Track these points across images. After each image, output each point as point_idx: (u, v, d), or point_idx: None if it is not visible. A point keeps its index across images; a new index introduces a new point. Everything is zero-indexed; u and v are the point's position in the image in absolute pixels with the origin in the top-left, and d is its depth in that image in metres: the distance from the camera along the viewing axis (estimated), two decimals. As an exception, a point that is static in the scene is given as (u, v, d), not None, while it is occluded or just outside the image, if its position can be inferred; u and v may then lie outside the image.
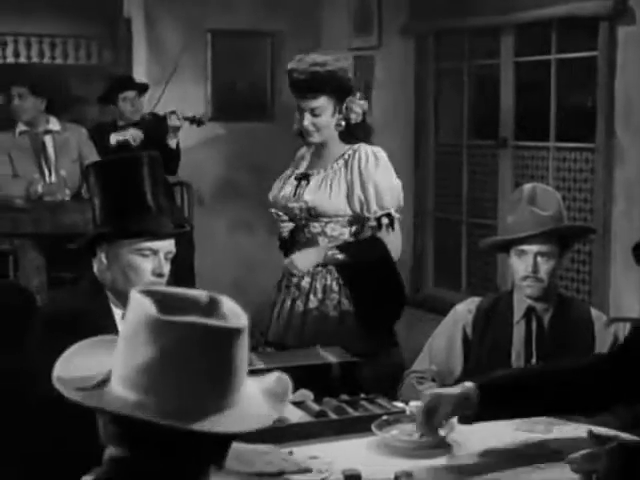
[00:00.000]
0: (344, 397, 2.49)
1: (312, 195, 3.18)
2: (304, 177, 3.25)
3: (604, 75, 4.28)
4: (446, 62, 5.47)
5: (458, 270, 5.43)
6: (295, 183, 3.25)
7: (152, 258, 2.32)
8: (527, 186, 2.82)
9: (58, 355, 1.81)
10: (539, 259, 2.72)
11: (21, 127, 5.11)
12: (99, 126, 5.58)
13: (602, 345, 2.74)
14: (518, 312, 2.78)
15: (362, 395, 2.53)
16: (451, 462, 2.21)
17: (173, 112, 5.29)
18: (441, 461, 2.21)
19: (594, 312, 2.84)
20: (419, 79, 5.49)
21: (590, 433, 2.09)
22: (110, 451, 1.31)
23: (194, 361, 1.25)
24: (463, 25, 5.14)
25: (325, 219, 3.18)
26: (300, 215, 3.21)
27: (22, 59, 9.00)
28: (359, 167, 3.17)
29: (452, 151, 5.45)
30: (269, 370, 2.49)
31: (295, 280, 3.20)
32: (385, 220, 3.17)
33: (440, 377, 2.77)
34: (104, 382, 1.29)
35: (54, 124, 5.14)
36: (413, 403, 2.48)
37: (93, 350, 1.37)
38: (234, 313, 1.31)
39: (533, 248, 2.72)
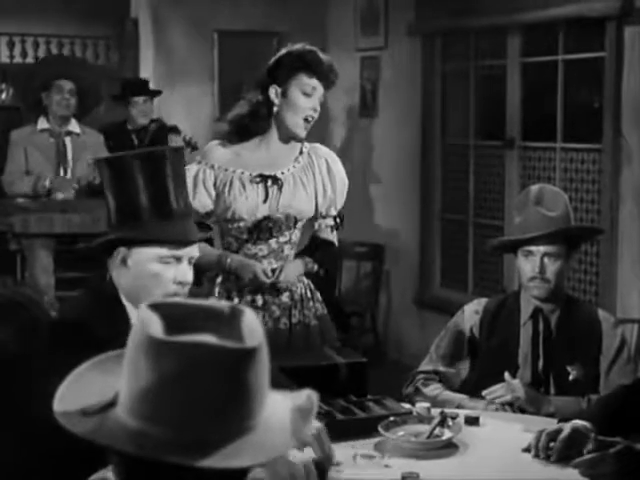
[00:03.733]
0: (351, 398, 2.50)
1: (293, 200, 2.92)
2: (273, 180, 2.93)
3: (611, 75, 4.28)
4: (453, 63, 5.47)
5: (465, 271, 5.43)
6: (261, 188, 2.92)
7: (175, 265, 2.15)
8: (534, 187, 2.82)
9: (67, 370, 1.77)
10: (546, 260, 2.71)
11: (43, 124, 5.11)
12: (108, 127, 5.59)
13: (609, 346, 2.74)
14: (525, 313, 2.78)
15: (369, 396, 2.53)
16: (458, 463, 2.21)
17: (175, 129, 5.29)
18: (448, 462, 2.21)
19: (601, 313, 2.83)
20: (426, 80, 5.49)
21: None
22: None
23: (200, 387, 1.13)
24: (470, 25, 5.14)
25: (295, 226, 2.96)
26: (273, 224, 2.92)
27: (29, 59, 9.02)
28: (327, 165, 3.01)
29: (459, 152, 5.45)
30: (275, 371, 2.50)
31: (272, 298, 2.94)
32: (338, 220, 3.07)
33: (447, 378, 2.77)
34: (110, 405, 1.19)
35: (74, 126, 5.15)
36: (420, 404, 2.48)
37: (103, 369, 1.27)
38: (251, 330, 1.18)
39: (540, 249, 2.71)
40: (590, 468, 1.99)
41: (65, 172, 5.08)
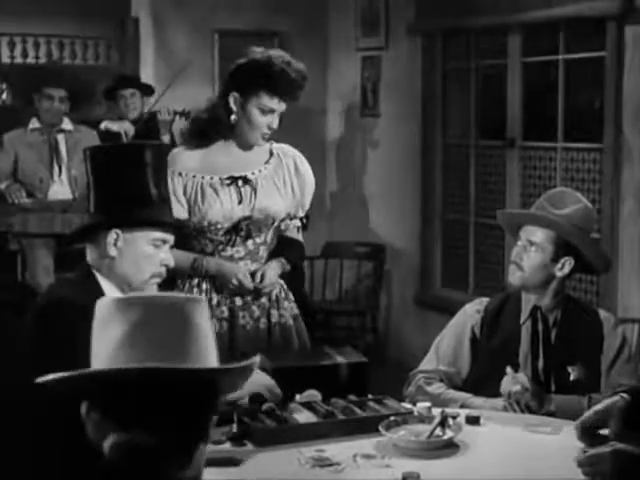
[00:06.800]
0: (352, 398, 2.49)
1: (269, 201, 2.90)
2: (244, 180, 2.90)
3: (612, 75, 4.28)
4: (453, 62, 5.47)
5: (465, 271, 5.42)
6: (233, 190, 2.88)
7: (162, 249, 2.33)
8: (556, 188, 2.87)
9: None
10: (528, 248, 2.71)
11: (34, 124, 5.13)
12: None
13: (610, 346, 2.73)
14: (525, 312, 2.78)
15: (370, 396, 2.53)
16: (458, 463, 2.21)
17: (160, 111, 5.32)
18: (448, 462, 2.21)
19: (602, 313, 2.83)
20: (426, 79, 5.49)
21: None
22: (105, 443, 1.34)
23: (164, 329, 1.33)
24: (470, 25, 5.14)
25: (272, 226, 2.95)
26: (250, 225, 2.89)
27: (30, 60, 9.03)
28: (295, 165, 2.98)
29: (459, 151, 5.45)
30: (277, 370, 2.51)
31: (251, 299, 2.92)
32: (304, 220, 3.06)
33: (448, 377, 2.77)
34: None
35: (67, 124, 5.18)
36: (420, 404, 2.48)
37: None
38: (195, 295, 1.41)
39: (526, 236, 2.72)
40: (589, 466, 2.00)
41: (60, 169, 5.09)
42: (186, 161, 2.91)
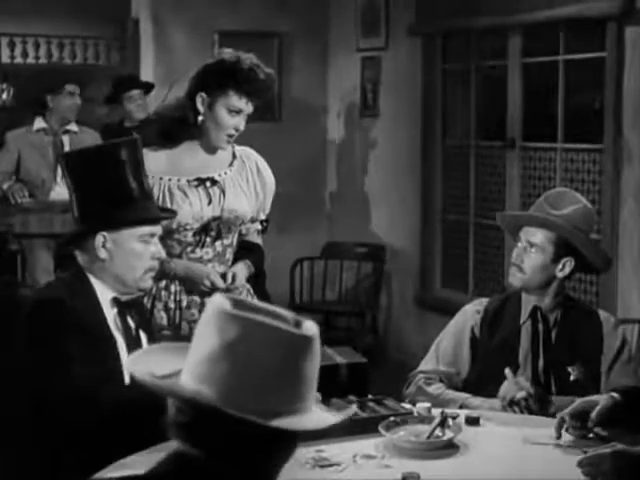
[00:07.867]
0: (352, 398, 2.49)
1: (236, 203, 2.90)
2: (212, 182, 2.89)
3: (612, 75, 4.28)
4: (453, 63, 5.47)
5: (465, 271, 5.42)
6: (202, 191, 2.87)
7: (151, 242, 2.35)
8: (557, 189, 2.87)
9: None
10: (528, 250, 2.71)
11: (40, 124, 5.14)
12: (106, 127, 5.60)
13: (610, 347, 2.73)
14: (525, 312, 2.78)
15: (370, 396, 2.53)
16: (458, 463, 2.21)
17: None
18: (448, 462, 2.21)
19: (602, 313, 2.83)
20: (426, 80, 5.49)
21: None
22: (176, 445, 1.31)
23: (254, 360, 1.23)
24: (470, 26, 5.14)
25: (240, 227, 2.96)
26: (220, 225, 2.89)
27: (30, 60, 9.03)
28: (257, 167, 2.99)
29: (460, 152, 5.45)
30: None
31: None
32: (265, 223, 3.07)
33: (448, 378, 2.77)
34: (174, 375, 1.30)
35: (72, 125, 5.19)
36: (420, 404, 2.48)
37: (168, 350, 1.38)
38: (310, 327, 1.28)
39: (526, 237, 2.72)
40: (589, 467, 2.00)
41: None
42: (152, 163, 2.84)
